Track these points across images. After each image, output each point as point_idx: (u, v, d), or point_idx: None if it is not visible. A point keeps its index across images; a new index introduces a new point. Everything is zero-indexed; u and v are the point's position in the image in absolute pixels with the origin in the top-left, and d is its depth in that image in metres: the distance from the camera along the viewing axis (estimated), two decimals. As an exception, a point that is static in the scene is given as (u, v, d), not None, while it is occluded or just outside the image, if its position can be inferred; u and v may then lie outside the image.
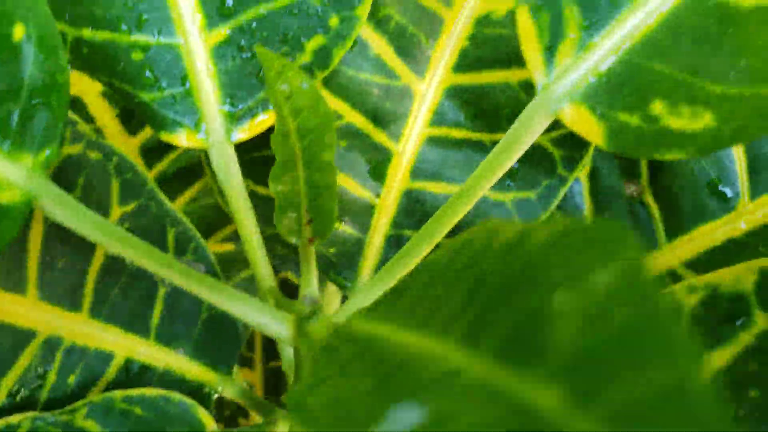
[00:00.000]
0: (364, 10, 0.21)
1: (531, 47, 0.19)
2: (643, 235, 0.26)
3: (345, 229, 0.26)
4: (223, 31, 0.22)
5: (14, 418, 0.22)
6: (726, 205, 0.25)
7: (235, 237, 0.32)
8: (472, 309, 0.11)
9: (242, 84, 0.23)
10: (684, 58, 0.18)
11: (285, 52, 0.22)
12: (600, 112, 0.18)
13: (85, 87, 0.30)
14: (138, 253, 0.21)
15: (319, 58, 0.22)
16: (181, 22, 0.22)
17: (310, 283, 0.22)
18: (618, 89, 0.19)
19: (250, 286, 0.33)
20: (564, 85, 0.19)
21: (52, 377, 0.23)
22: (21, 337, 0.22)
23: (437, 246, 0.22)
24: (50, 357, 0.23)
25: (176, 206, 0.32)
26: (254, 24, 0.22)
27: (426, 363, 0.13)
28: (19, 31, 0.18)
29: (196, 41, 0.22)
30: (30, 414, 0.22)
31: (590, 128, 0.19)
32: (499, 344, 0.10)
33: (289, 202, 0.20)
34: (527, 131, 0.19)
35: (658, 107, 0.18)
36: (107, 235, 0.20)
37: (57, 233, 0.22)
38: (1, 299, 0.22)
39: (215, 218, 0.33)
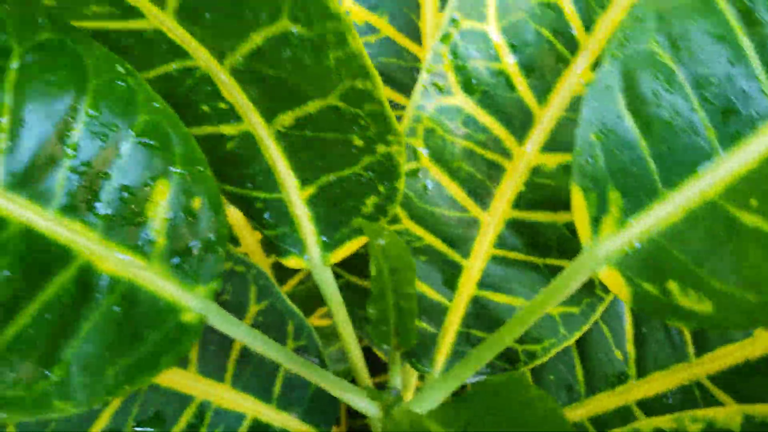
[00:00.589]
0: (401, 183, 0.28)
1: (581, 217, 0.25)
2: (675, 348, 0.31)
3: (423, 325, 0.33)
4: (312, 189, 0.29)
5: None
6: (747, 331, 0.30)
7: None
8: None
9: (330, 223, 0.30)
10: (697, 251, 0.23)
11: (352, 205, 0.29)
12: (629, 278, 0.24)
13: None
14: (267, 348, 0.28)
15: (377, 210, 0.29)
16: (284, 184, 0.29)
17: (395, 379, 0.29)
18: (645, 263, 0.24)
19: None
20: (604, 251, 0.25)
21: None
22: (183, 400, 0.31)
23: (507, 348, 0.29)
24: (200, 417, 0.31)
25: (288, 286, 0.41)
26: (331, 185, 0.29)
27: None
28: (197, 203, 0.26)
29: (294, 195, 0.29)
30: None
31: (620, 288, 0.24)
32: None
33: (381, 320, 0.27)
34: (574, 279, 0.26)
35: (672, 285, 0.23)
36: (248, 335, 0.28)
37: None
38: (172, 373, 0.31)
39: (318, 297, 0.41)
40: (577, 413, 0.32)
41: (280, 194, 0.30)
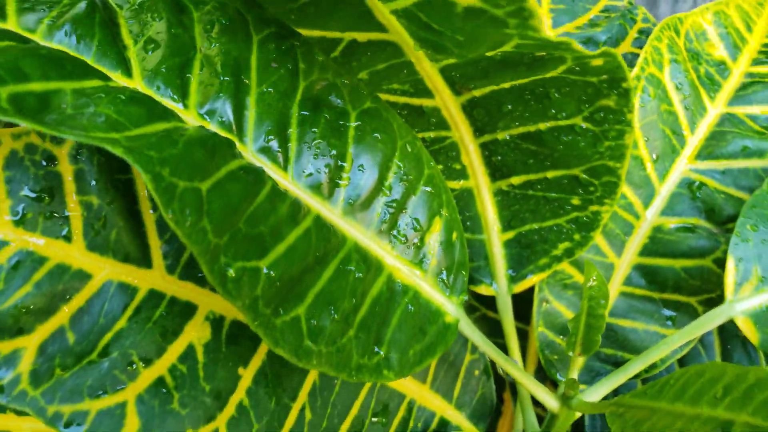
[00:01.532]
0: (597, 234, 0.39)
1: (729, 278, 0.37)
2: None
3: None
4: (512, 234, 0.39)
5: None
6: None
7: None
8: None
9: (520, 261, 0.40)
10: None
11: (544, 248, 0.39)
12: (759, 327, 0.35)
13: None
14: (495, 354, 0.37)
15: (566, 254, 0.39)
16: (488, 227, 0.39)
17: (573, 376, 0.38)
18: None
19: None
20: (742, 306, 0.36)
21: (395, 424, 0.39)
22: (399, 397, 0.38)
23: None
24: (409, 412, 0.38)
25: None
26: (531, 232, 0.39)
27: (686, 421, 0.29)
28: (454, 236, 0.35)
29: (495, 238, 0.39)
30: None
31: (752, 334, 0.36)
32: None
33: (573, 333, 0.37)
34: (714, 321, 0.37)
35: None
36: (483, 342, 0.36)
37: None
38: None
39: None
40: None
41: (482, 236, 0.39)
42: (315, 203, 0.30)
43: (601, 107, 0.33)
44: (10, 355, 0.26)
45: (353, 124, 0.32)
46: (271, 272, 0.25)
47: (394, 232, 0.33)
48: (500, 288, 0.40)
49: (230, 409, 0.29)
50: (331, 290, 0.29)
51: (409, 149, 0.34)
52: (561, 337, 0.43)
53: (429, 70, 0.34)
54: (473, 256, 0.40)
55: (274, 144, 0.29)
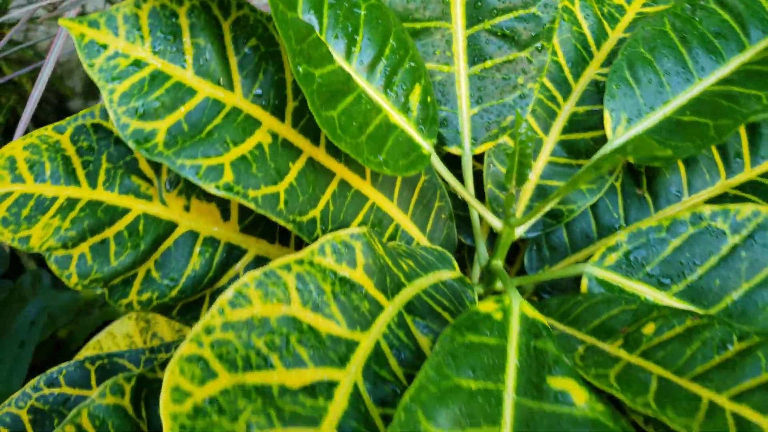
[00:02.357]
0: (530, 108, 0.55)
1: (607, 125, 0.53)
2: (640, 208, 0.58)
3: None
4: (475, 110, 0.56)
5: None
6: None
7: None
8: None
9: (480, 130, 0.56)
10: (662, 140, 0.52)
11: (498, 120, 0.56)
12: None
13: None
14: (455, 185, 0.53)
15: (511, 124, 0.56)
16: (461, 103, 0.55)
17: (512, 205, 0.54)
18: (640, 144, 0.52)
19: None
20: (619, 140, 0.53)
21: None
22: (387, 219, 0.53)
23: (556, 209, 0.55)
24: (395, 232, 0.54)
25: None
26: (487, 108, 0.56)
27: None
28: (417, 89, 0.51)
29: (465, 113, 0.56)
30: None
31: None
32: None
33: (509, 169, 0.53)
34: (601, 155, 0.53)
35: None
36: (444, 171, 0.52)
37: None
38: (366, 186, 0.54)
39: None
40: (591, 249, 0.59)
41: (457, 110, 0.55)
42: (338, 59, 0.46)
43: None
44: (149, 132, 0.41)
45: (363, 12, 0.49)
46: (320, 80, 0.41)
47: (389, 90, 0.49)
48: (465, 150, 0.56)
49: (285, 183, 0.44)
50: (351, 109, 0.44)
51: (401, 35, 0.50)
52: (503, 192, 0.59)
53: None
54: (449, 125, 0.56)
55: (313, 15, 0.45)
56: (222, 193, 0.40)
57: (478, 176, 0.60)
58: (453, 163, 0.58)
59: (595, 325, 0.47)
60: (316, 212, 0.45)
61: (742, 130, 0.57)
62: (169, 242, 0.47)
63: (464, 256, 0.63)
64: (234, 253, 0.49)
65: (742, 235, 0.48)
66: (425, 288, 0.48)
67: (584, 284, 0.51)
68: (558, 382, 0.40)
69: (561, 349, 0.42)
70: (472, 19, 0.52)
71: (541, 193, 0.58)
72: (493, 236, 0.61)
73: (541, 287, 0.60)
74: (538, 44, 0.52)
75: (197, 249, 0.48)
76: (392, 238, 0.53)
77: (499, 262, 0.54)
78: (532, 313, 0.44)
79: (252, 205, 0.41)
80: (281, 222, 0.42)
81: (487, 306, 0.43)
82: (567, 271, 0.53)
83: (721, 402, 0.38)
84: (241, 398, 0.36)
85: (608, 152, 0.53)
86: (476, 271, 0.61)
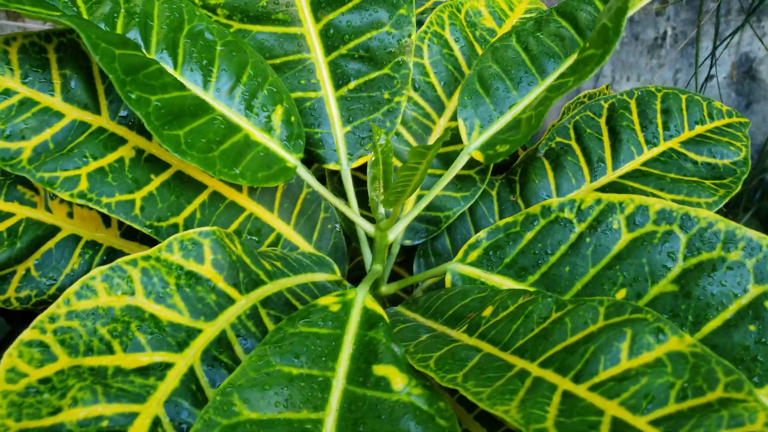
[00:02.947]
0: (398, 119, 0.60)
1: (462, 132, 0.58)
2: (514, 213, 0.61)
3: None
4: (348, 128, 0.60)
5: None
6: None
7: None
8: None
9: (355, 146, 0.60)
10: (504, 138, 0.56)
11: (370, 135, 0.60)
12: (483, 152, 0.56)
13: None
14: (324, 193, 0.57)
15: (384, 138, 0.60)
16: (333, 123, 0.60)
17: (379, 212, 0.58)
18: (489, 145, 0.56)
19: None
20: (472, 146, 0.57)
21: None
22: (267, 228, 0.57)
23: (433, 216, 0.59)
24: (277, 240, 0.58)
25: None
26: (359, 125, 0.60)
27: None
28: (279, 109, 0.56)
29: (338, 132, 0.60)
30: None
31: (481, 158, 0.56)
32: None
33: (375, 179, 0.57)
34: (460, 163, 0.57)
35: (498, 147, 0.55)
36: (319, 186, 0.56)
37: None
38: (244, 199, 0.58)
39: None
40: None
41: (330, 130, 0.60)
42: (192, 88, 0.51)
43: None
44: (15, 151, 0.46)
45: (219, 48, 0.54)
46: (158, 104, 0.46)
47: (249, 112, 0.54)
48: (342, 166, 0.60)
49: (143, 192, 0.49)
50: (201, 128, 0.49)
51: (259, 64, 0.56)
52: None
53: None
54: (325, 145, 0.60)
55: (166, 54, 0.51)
56: (76, 200, 0.45)
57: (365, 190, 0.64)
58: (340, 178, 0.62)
59: (448, 315, 0.50)
60: (179, 219, 0.49)
61: (605, 138, 0.60)
62: (50, 244, 0.52)
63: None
64: (114, 256, 0.53)
65: (586, 223, 0.51)
66: (290, 286, 0.52)
67: (448, 280, 0.54)
68: (381, 370, 0.42)
69: (395, 340, 0.45)
70: (329, 47, 0.58)
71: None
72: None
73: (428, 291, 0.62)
74: (398, 59, 0.57)
75: (78, 251, 0.52)
76: (274, 244, 0.57)
77: (378, 266, 0.57)
78: (373, 305, 0.47)
79: (105, 210, 0.45)
80: (136, 226, 0.46)
81: (326, 300, 0.47)
82: (434, 272, 0.56)
83: (530, 368, 0.40)
84: (73, 377, 0.39)
85: (466, 157, 0.57)
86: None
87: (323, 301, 0.46)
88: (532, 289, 0.53)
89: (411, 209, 0.62)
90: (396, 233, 0.57)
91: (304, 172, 0.55)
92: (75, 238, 0.52)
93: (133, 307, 0.42)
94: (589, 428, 0.33)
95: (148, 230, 0.47)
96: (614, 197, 0.51)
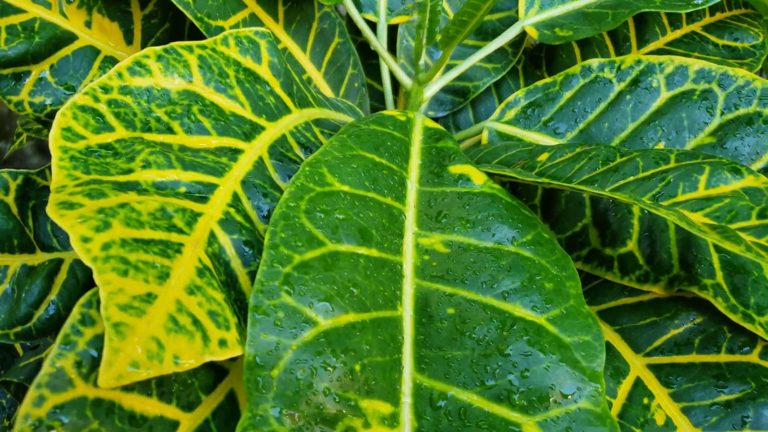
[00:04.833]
0: None
1: (521, 6, 0.57)
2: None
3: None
4: None
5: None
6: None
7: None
8: None
9: (395, 4, 0.59)
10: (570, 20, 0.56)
11: None
12: (538, 30, 0.56)
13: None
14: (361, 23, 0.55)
15: None
16: None
17: (421, 62, 0.57)
18: (549, 25, 0.56)
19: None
20: (529, 21, 0.57)
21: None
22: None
23: (463, 86, 0.58)
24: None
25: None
26: None
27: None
28: None
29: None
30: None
31: (535, 34, 0.56)
32: None
33: (420, 27, 0.55)
34: (509, 34, 0.57)
35: (557, 30, 0.56)
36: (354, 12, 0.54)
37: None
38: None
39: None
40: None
41: None
42: None
43: None
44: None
45: None
46: None
47: None
48: (380, 18, 0.58)
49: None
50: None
51: None
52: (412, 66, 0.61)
53: None
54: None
55: None
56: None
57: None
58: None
59: (495, 162, 0.50)
60: (225, 24, 0.46)
61: (630, 20, 0.62)
62: (67, 51, 0.46)
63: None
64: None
65: (626, 82, 0.52)
66: (333, 118, 0.49)
67: (484, 137, 0.54)
68: (458, 169, 0.42)
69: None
70: None
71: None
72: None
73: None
74: None
75: (97, 64, 0.47)
76: (304, 90, 0.54)
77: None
78: (433, 124, 0.46)
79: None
80: (188, 14, 0.42)
81: (391, 112, 0.45)
82: (469, 131, 0.55)
83: (602, 192, 0.40)
84: (139, 144, 0.35)
85: (518, 29, 0.57)
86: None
87: (388, 112, 0.44)
88: (575, 144, 0.53)
89: (440, 77, 0.61)
90: (432, 90, 0.56)
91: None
92: (94, 50, 0.47)
93: (192, 92, 0.39)
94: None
95: (198, 22, 0.43)
96: (654, 58, 0.52)
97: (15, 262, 0.42)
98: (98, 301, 0.27)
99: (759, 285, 0.38)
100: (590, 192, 0.36)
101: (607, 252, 0.45)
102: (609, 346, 0.40)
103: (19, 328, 0.40)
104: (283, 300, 0.29)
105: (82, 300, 0.27)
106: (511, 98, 0.55)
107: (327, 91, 0.56)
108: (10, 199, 0.42)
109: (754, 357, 0.35)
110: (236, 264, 0.33)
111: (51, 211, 0.28)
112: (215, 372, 0.31)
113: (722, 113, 0.50)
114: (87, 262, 0.27)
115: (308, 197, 0.33)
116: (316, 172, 0.35)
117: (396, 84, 0.61)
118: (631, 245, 0.44)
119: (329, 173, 0.36)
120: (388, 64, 0.55)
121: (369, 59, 0.62)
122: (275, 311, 0.29)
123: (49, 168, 0.43)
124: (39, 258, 0.43)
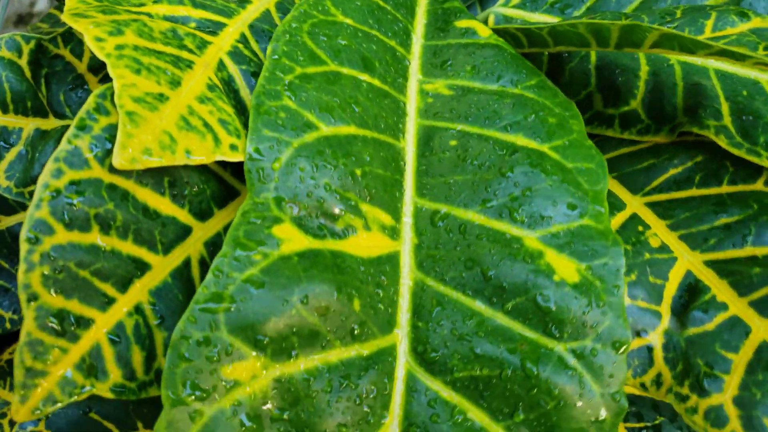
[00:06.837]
0: None
1: None
2: None
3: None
4: None
5: None
6: None
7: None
8: None
9: None
10: None
11: None
12: None
13: None
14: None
15: None
16: None
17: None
18: None
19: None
20: None
21: None
22: None
23: None
24: None
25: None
26: None
27: None
28: None
29: None
30: None
31: None
32: None
33: None
34: None
35: None
36: None
37: None
38: None
39: None
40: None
41: None
42: None
43: None
44: None
45: None
46: None
47: None
48: None
49: None
50: None
51: None
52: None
53: None
54: None
55: None
56: None
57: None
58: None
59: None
60: None
61: None
62: None
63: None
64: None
65: (634, -40, 0.52)
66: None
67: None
68: (463, 23, 0.42)
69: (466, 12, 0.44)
70: None
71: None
72: None
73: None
74: None
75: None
76: None
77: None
78: (439, -8, 0.46)
79: None
80: None
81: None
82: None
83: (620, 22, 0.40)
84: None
85: None
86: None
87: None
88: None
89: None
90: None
91: None
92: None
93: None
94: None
95: None
96: (662, -65, 0.52)
97: (29, 124, 0.42)
98: (113, 94, 0.27)
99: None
100: (604, 24, 0.36)
101: (609, 112, 0.45)
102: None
103: (32, 187, 0.41)
104: (284, 103, 0.30)
105: (97, 91, 0.27)
106: (517, -17, 0.55)
107: None
108: (23, 62, 0.42)
109: (758, 185, 0.35)
110: (245, 93, 0.34)
111: (66, 17, 0.29)
112: (227, 189, 0.32)
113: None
114: (101, 57, 0.27)
115: (311, 21, 0.34)
116: (320, 2, 0.36)
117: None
118: (635, 104, 0.44)
119: (332, 5, 0.36)
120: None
121: None
122: (277, 111, 0.29)
123: (60, 34, 0.44)
124: (52, 123, 0.43)
